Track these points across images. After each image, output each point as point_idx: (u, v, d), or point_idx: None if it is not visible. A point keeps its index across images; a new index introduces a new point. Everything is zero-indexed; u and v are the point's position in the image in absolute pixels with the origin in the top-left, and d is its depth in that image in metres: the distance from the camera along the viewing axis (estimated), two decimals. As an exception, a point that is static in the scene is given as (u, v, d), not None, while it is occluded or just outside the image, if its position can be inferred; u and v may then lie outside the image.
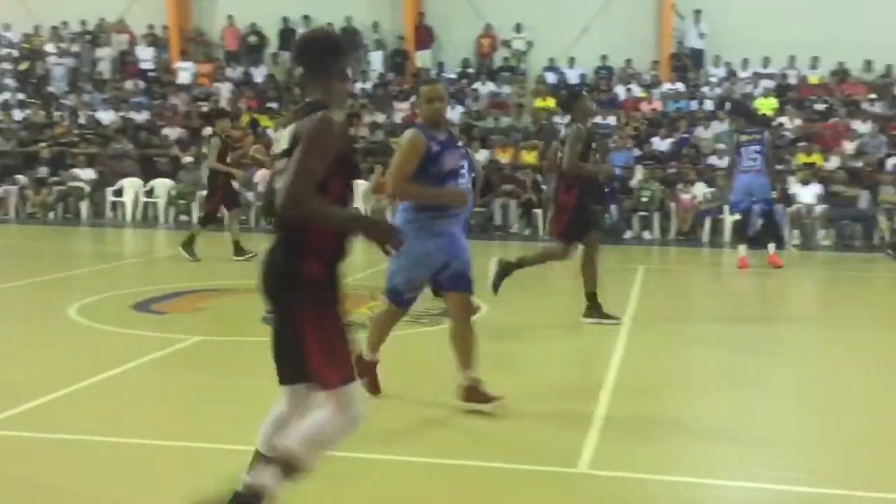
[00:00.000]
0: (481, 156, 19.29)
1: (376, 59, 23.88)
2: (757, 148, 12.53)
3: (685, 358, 7.92)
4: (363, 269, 12.79)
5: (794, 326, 9.43)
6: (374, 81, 23.35)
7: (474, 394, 5.70)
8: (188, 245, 13.11)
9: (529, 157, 19.11)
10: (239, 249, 13.16)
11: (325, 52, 3.65)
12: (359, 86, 23.00)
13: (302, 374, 3.55)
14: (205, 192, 14.44)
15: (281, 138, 3.60)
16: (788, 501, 4.56)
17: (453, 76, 23.14)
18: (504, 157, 19.31)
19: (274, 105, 22.45)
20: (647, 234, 17.25)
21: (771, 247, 13.13)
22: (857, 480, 4.73)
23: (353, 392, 3.53)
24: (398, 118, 21.51)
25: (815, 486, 4.66)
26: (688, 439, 5.50)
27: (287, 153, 3.48)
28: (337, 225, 3.49)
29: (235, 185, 13.91)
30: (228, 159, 13.15)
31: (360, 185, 18.96)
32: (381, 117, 21.48)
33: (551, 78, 22.77)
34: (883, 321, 9.75)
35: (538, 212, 17.73)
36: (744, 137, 12.66)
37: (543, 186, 18.13)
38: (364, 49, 23.93)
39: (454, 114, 21.35)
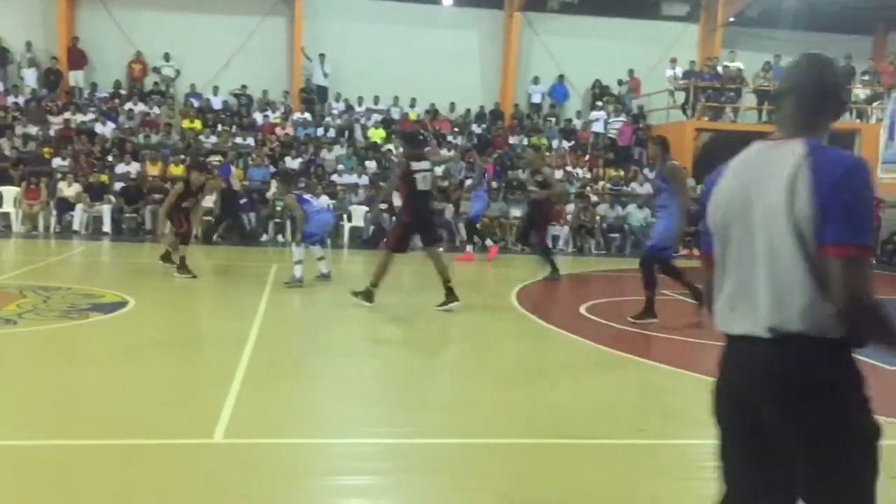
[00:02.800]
0: (132, 168, 18.05)
1: (30, 76, 21.41)
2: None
3: (308, 337, 7.89)
4: (12, 269, 11.42)
5: (406, 308, 9.77)
6: (28, 97, 20.91)
7: None
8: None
9: (177, 170, 18.16)
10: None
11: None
12: (11, 99, 20.52)
13: None
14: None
15: None
16: (393, 453, 4.66)
17: (105, 95, 21.42)
18: (154, 170, 18.20)
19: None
20: (280, 238, 17.10)
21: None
22: (445, 430, 4.96)
23: None
24: (52, 131, 19.49)
25: (414, 438, 4.82)
26: (312, 405, 5.45)
27: None
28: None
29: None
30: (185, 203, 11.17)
31: (10, 192, 16.98)
32: (33, 129, 19.33)
33: (196, 102, 21.91)
34: (472, 308, 10.39)
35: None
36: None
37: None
38: (17, 65, 21.43)
39: (107, 129, 19.82)
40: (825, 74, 2.31)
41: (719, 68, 21.71)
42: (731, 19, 23.56)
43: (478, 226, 15.78)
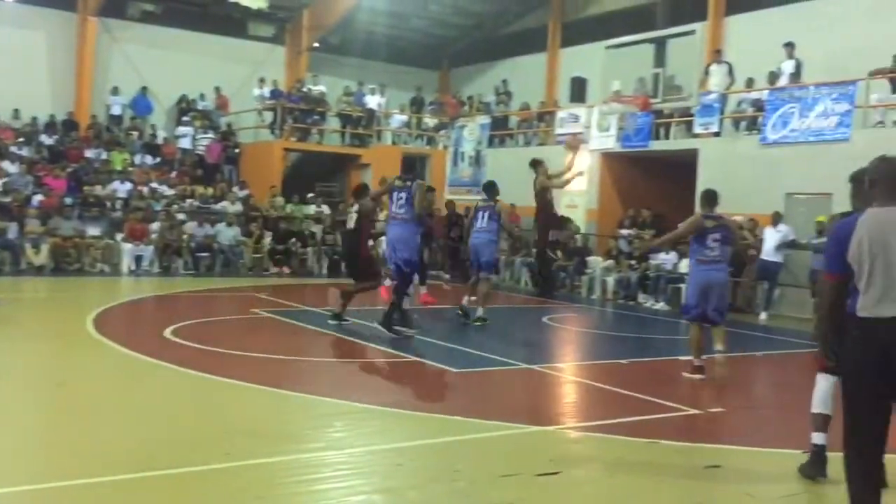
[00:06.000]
0: None
1: None
2: None
3: None
4: None
5: None
6: None
7: None
8: None
9: None
10: None
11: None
12: None
13: None
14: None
15: None
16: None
17: None
18: None
19: None
20: None
21: None
22: (10, 477, 4.38)
23: None
24: None
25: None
26: None
27: None
28: None
29: None
30: None
31: None
32: None
33: None
34: (42, 335, 9.32)
35: None
36: None
37: None
38: None
39: None
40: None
41: (304, 90, 22.49)
42: (316, 45, 24.60)
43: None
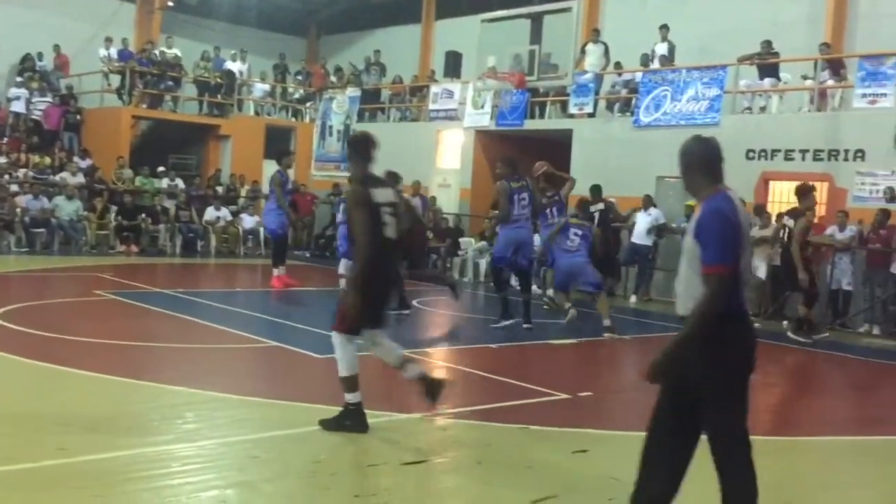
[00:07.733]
0: None
1: None
2: None
3: None
4: None
5: None
6: None
7: None
8: None
9: None
10: None
11: None
12: None
13: None
14: None
15: None
16: None
17: None
18: None
19: None
20: None
21: None
22: None
23: None
24: None
25: None
26: None
27: None
28: None
29: None
30: None
31: None
32: None
33: None
34: None
35: None
36: None
37: None
38: None
39: None
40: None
41: (156, 52, 21.55)
42: (170, 4, 23.61)
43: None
